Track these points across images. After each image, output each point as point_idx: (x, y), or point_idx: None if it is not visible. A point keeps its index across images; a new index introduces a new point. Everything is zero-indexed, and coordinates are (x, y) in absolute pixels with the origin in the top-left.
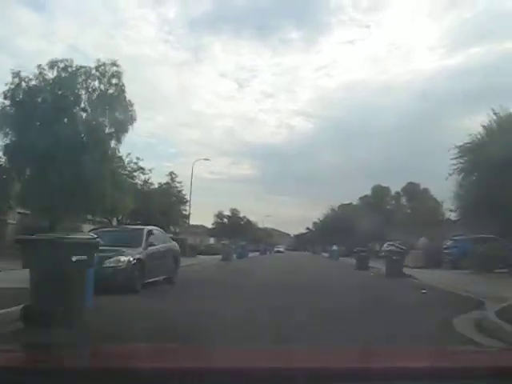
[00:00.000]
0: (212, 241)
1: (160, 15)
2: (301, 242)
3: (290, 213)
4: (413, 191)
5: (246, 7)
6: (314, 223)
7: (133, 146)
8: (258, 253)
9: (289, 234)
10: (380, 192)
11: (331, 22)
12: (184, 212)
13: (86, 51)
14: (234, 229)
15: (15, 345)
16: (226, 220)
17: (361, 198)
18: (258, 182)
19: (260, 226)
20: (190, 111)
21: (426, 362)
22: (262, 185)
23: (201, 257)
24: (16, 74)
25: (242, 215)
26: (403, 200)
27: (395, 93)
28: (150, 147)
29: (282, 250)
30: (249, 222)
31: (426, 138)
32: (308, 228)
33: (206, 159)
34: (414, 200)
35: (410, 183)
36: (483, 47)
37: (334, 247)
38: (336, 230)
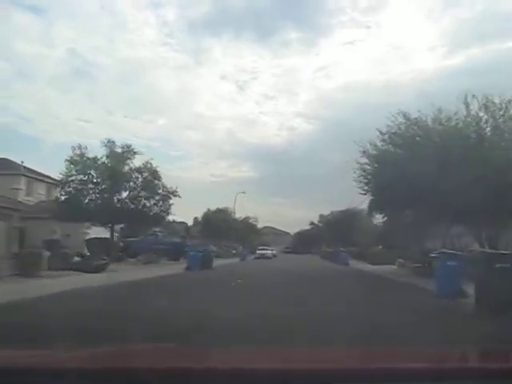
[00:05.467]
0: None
1: (159, 17)
2: (303, 241)
3: (292, 214)
4: None
5: (246, 9)
6: (321, 216)
7: None
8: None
9: (288, 233)
10: None
11: (331, 23)
12: None
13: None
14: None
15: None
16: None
17: None
18: (259, 185)
19: (251, 219)
20: (191, 114)
21: (426, 362)
22: (262, 187)
23: None
24: None
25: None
26: None
27: (395, 92)
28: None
29: (270, 253)
30: (173, 192)
31: None
32: (313, 223)
33: None
34: None
35: None
36: (483, 48)
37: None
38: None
